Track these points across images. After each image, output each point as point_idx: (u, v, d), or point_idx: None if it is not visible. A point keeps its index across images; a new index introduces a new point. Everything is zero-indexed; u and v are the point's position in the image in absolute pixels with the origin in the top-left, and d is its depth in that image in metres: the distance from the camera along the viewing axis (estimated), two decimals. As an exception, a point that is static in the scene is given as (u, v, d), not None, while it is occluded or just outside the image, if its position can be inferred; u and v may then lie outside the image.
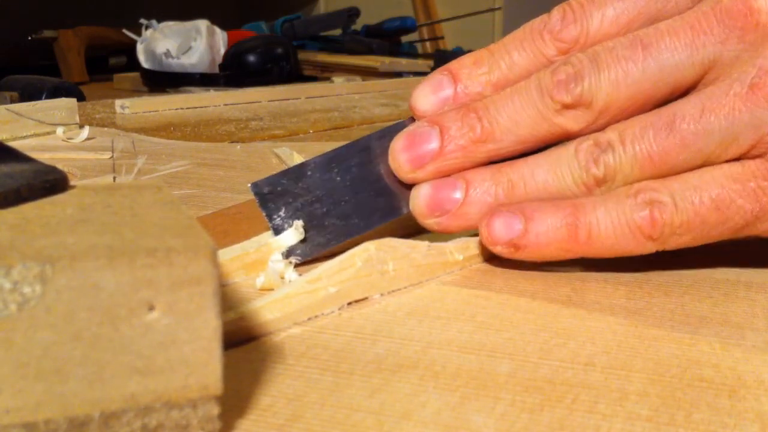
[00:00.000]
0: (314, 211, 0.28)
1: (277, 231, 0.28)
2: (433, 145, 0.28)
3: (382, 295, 0.25)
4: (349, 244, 0.26)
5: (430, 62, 1.33)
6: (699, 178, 0.26)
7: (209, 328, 0.15)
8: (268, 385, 0.19)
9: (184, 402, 0.15)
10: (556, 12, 0.29)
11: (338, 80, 1.15)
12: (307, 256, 0.28)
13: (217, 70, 1.13)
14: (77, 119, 0.64)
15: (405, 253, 0.26)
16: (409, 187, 0.29)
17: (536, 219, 0.27)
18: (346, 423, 0.17)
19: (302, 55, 1.32)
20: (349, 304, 0.24)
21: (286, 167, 0.30)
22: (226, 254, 0.27)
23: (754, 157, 0.26)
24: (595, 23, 0.28)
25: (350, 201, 0.29)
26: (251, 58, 1.13)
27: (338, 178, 0.29)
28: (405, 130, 0.29)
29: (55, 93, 0.76)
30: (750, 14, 0.26)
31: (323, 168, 0.29)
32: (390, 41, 1.46)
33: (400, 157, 0.28)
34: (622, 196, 0.26)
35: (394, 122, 0.30)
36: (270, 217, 0.28)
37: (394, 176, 0.29)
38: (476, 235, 0.28)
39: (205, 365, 0.15)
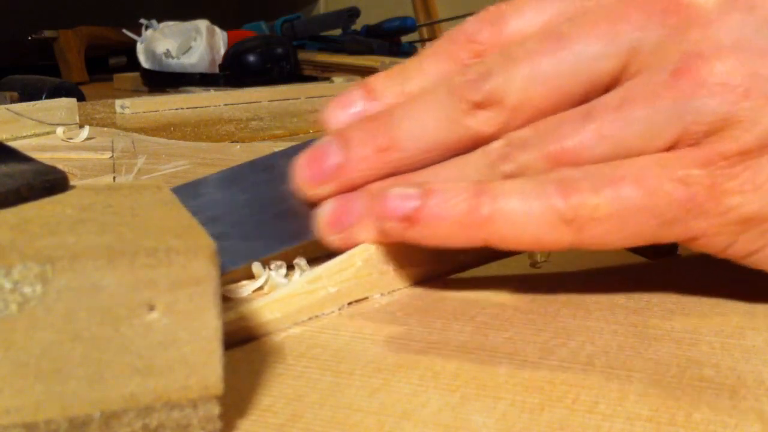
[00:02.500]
0: (210, 231, 0.22)
1: None
2: (336, 158, 0.26)
3: (382, 295, 0.25)
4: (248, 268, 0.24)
5: (430, 62, 1.33)
6: (621, 163, 0.23)
7: (209, 328, 0.15)
8: (268, 385, 0.19)
9: (185, 402, 0.15)
10: (472, 17, 0.27)
11: (338, 80, 1.15)
12: None
13: (217, 70, 1.13)
14: (77, 119, 0.64)
15: (405, 253, 0.26)
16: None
17: (435, 194, 0.23)
18: (346, 423, 0.17)
19: (302, 55, 1.32)
20: (349, 304, 0.24)
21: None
22: (226, 254, 0.26)
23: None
24: (511, 25, 0.26)
25: (251, 222, 0.26)
26: (251, 58, 1.13)
27: (239, 197, 0.27)
28: (309, 147, 0.27)
29: (55, 93, 0.76)
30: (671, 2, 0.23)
31: (221, 186, 0.27)
32: (390, 41, 1.46)
33: (302, 174, 0.26)
34: (535, 176, 0.23)
35: (302, 141, 0.28)
36: None
37: (302, 197, 0.27)
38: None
39: (205, 365, 0.15)
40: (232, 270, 0.25)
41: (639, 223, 0.22)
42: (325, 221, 0.26)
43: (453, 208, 0.23)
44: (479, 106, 0.24)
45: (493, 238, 0.23)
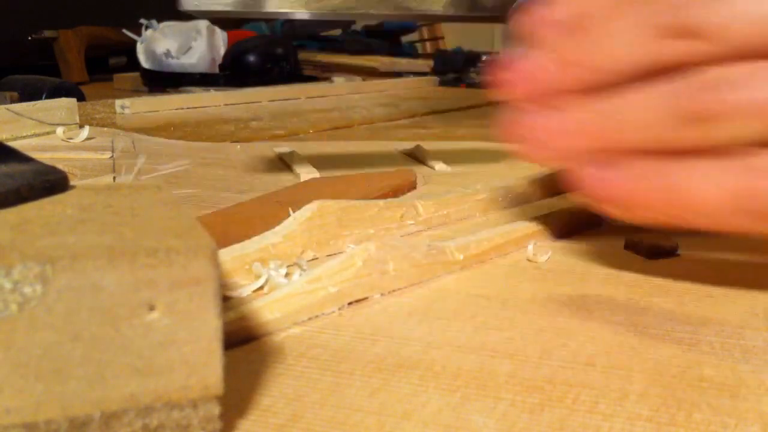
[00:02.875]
0: None
1: None
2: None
3: (382, 295, 0.25)
4: None
5: (430, 62, 1.33)
6: None
7: (210, 328, 0.15)
8: (268, 385, 0.19)
9: (185, 402, 0.15)
10: None
11: (338, 80, 1.15)
12: None
13: (217, 70, 1.13)
14: (77, 119, 0.64)
15: (405, 253, 0.26)
16: None
17: (627, 169, 0.22)
18: (347, 423, 0.17)
19: (302, 55, 1.32)
20: (349, 304, 0.24)
21: (287, 166, 0.30)
22: (226, 254, 0.27)
23: None
24: None
25: None
26: (251, 58, 1.13)
27: None
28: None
29: (55, 93, 0.76)
30: None
31: None
32: (390, 41, 1.46)
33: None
34: (736, 159, 0.21)
35: None
36: None
37: None
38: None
39: (205, 365, 0.15)
40: None
41: None
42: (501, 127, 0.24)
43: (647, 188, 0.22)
44: (677, 33, 0.21)
45: (687, 218, 0.22)
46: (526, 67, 0.24)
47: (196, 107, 0.87)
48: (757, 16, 0.20)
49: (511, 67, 0.24)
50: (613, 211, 0.23)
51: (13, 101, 0.71)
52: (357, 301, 0.24)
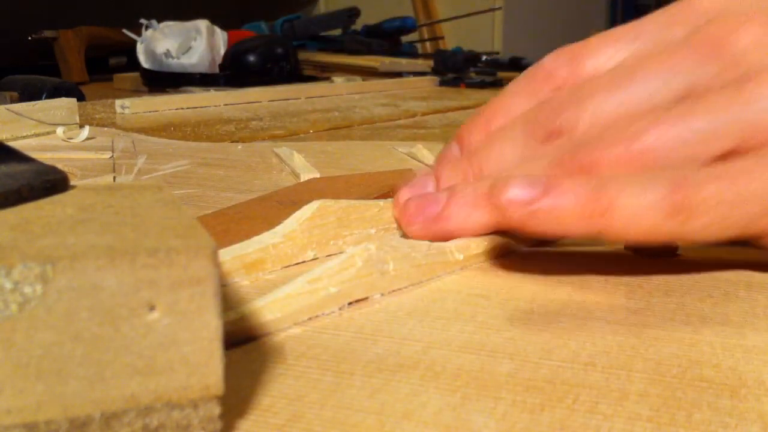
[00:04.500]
0: None
1: None
2: (437, 207, 0.28)
3: (382, 295, 0.25)
4: None
5: (430, 62, 1.33)
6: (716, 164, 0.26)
7: (210, 328, 0.15)
8: (268, 385, 0.19)
9: (185, 402, 0.15)
10: (551, 55, 0.30)
11: (338, 80, 1.15)
12: None
13: (217, 70, 1.13)
14: (77, 119, 0.64)
15: (405, 253, 0.26)
16: None
17: (556, 187, 0.25)
18: (347, 423, 0.17)
19: (302, 55, 1.32)
20: (350, 304, 0.24)
21: (287, 166, 0.31)
22: (226, 254, 0.27)
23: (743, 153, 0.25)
24: (587, 64, 0.30)
25: None
26: (251, 58, 1.13)
27: None
28: (411, 193, 0.30)
29: (55, 93, 0.76)
30: (721, 43, 0.27)
31: None
32: (390, 41, 1.46)
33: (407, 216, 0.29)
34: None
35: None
36: None
37: None
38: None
39: (206, 365, 0.15)
40: None
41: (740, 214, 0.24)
42: (408, 213, 0.29)
43: (574, 199, 0.25)
44: (553, 134, 0.28)
45: (610, 228, 0.25)
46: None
47: (196, 107, 0.87)
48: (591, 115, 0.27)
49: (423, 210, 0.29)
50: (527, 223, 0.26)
51: (13, 101, 0.71)
52: (357, 301, 0.24)
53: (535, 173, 0.27)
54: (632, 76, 0.27)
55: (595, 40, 0.30)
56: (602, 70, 0.29)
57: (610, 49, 0.30)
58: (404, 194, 0.30)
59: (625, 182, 0.25)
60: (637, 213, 0.24)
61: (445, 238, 0.28)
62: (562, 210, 0.25)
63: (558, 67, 0.30)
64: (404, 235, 0.29)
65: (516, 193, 0.25)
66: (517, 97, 0.31)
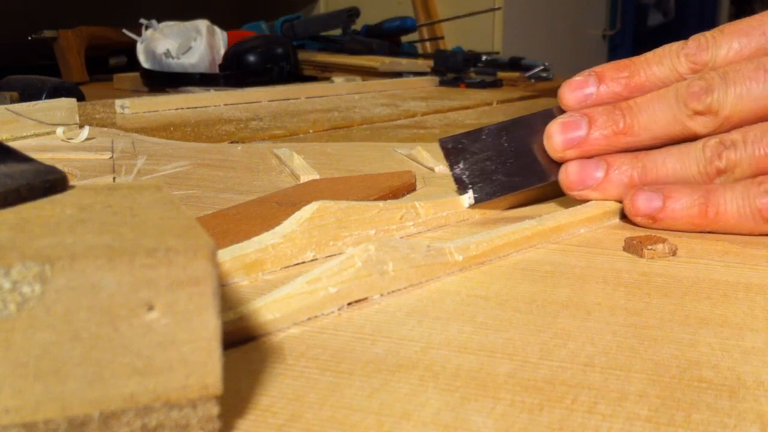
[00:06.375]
0: (486, 167, 0.35)
1: (457, 179, 0.35)
2: (582, 132, 0.34)
3: (381, 295, 0.25)
4: (506, 200, 0.36)
5: (430, 62, 1.33)
6: None
7: (209, 328, 0.15)
8: (267, 385, 0.19)
9: (184, 402, 0.15)
10: (693, 40, 0.35)
11: (338, 80, 1.15)
12: (479, 201, 0.35)
13: (217, 70, 1.13)
14: (77, 119, 0.64)
15: (405, 254, 0.26)
16: (557, 161, 0.35)
17: (674, 197, 0.32)
18: (346, 423, 0.17)
19: (302, 55, 1.32)
20: (349, 304, 0.24)
21: (287, 167, 0.31)
22: (226, 254, 0.27)
23: None
24: (722, 52, 0.34)
25: (514, 163, 0.35)
26: (251, 58, 1.13)
27: (505, 145, 0.36)
28: (559, 117, 0.35)
29: (55, 93, 0.76)
30: None
31: (495, 134, 0.36)
32: (390, 41, 1.46)
33: (555, 138, 0.35)
34: (748, 184, 0.31)
35: (546, 108, 0.37)
36: (451, 167, 0.35)
37: (546, 151, 0.35)
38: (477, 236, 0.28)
39: (204, 365, 0.15)
40: (498, 197, 0.35)
41: None
42: (571, 179, 0.35)
43: (687, 210, 0.32)
44: (699, 113, 0.33)
45: (713, 230, 0.32)
46: (582, 133, 0.35)
47: (196, 107, 0.87)
48: (751, 99, 0.32)
49: (569, 131, 0.35)
50: (651, 224, 0.33)
51: (13, 101, 0.71)
52: (357, 301, 0.24)
53: (689, 158, 0.33)
54: None
55: (727, 30, 0.34)
56: (735, 58, 0.34)
57: (743, 39, 0.34)
58: (557, 129, 0.35)
59: (731, 198, 0.32)
60: (735, 221, 0.32)
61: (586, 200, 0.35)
62: (677, 220, 0.33)
63: (698, 52, 0.34)
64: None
65: (642, 203, 0.33)
66: (658, 66, 0.35)
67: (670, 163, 0.33)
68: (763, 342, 0.22)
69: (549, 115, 0.36)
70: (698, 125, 0.33)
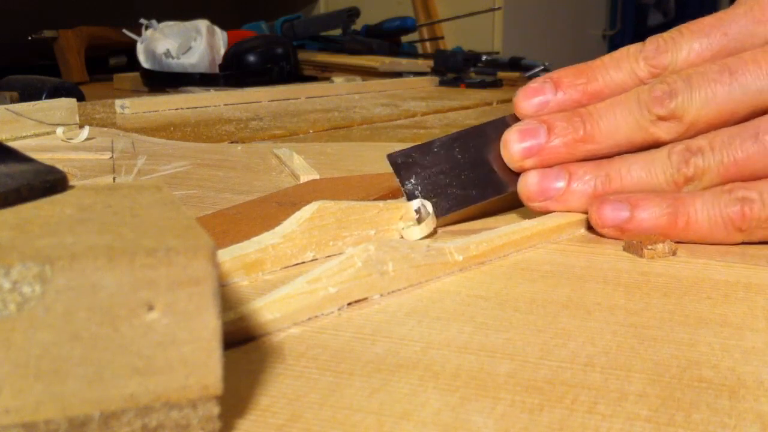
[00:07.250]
0: (439, 180, 0.34)
1: (409, 195, 0.33)
2: (541, 139, 0.33)
3: (381, 295, 0.25)
4: (462, 214, 0.34)
5: (430, 62, 1.33)
6: None
7: (209, 328, 0.15)
8: (267, 385, 0.19)
9: (184, 402, 0.15)
10: (651, 42, 0.33)
11: (338, 80, 1.15)
12: (437, 216, 0.33)
13: (217, 70, 1.13)
14: (77, 119, 0.64)
15: (405, 254, 0.26)
16: (515, 171, 0.34)
17: (641, 207, 0.31)
18: (346, 423, 0.17)
19: (302, 55, 1.32)
20: (349, 304, 0.24)
21: (287, 167, 0.31)
22: (226, 254, 0.27)
23: None
24: (682, 54, 0.33)
25: (469, 176, 0.34)
26: (251, 58, 1.13)
27: (459, 156, 0.34)
28: (516, 125, 0.34)
29: (55, 93, 0.76)
30: None
31: (447, 146, 0.34)
32: (390, 41, 1.46)
33: (512, 147, 0.33)
34: (718, 192, 0.30)
35: (499, 117, 0.35)
36: (403, 183, 0.34)
37: (503, 161, 0.34)
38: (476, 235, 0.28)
39: (204, 365, 0.15)
40: (453, 212, 0.34)
41: None
42: (531, 190, 0.33)
43: (656, 221, 0.31)
44: (663, 118, 0.31)
45: (683, 240, 0.31)
46: (541, 141, 0.33)
47: (196, 107, 0.87)
48: (716, 105, 0.31)
49: (527, 140, 0.33)
50: (619, 236, 0.31)
51: (13, 101, 0.71)
52: (356, 301, 0.25)
53: (655, 166, 0.31)
54: (737, 72, 0.30)
55: (686, 30, 0.33)
56: (696, 60, 0.32)
57: (703, 40, 0.32)
58: (514, 138, 0.33)
59: (701, 207, 0.30)
60: (706, 230, 0.30)
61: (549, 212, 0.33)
62: (645, 229, 0.31)
63: (657, 55, 0.33)
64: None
65: (608, 214, 0.31)
66: (616, 70, 0.33)
67: (635, 171, 0.32)
68: (763, 342, 0.22)
69: (503, 124, 0.34)
70: (662, 131, 0.31)
